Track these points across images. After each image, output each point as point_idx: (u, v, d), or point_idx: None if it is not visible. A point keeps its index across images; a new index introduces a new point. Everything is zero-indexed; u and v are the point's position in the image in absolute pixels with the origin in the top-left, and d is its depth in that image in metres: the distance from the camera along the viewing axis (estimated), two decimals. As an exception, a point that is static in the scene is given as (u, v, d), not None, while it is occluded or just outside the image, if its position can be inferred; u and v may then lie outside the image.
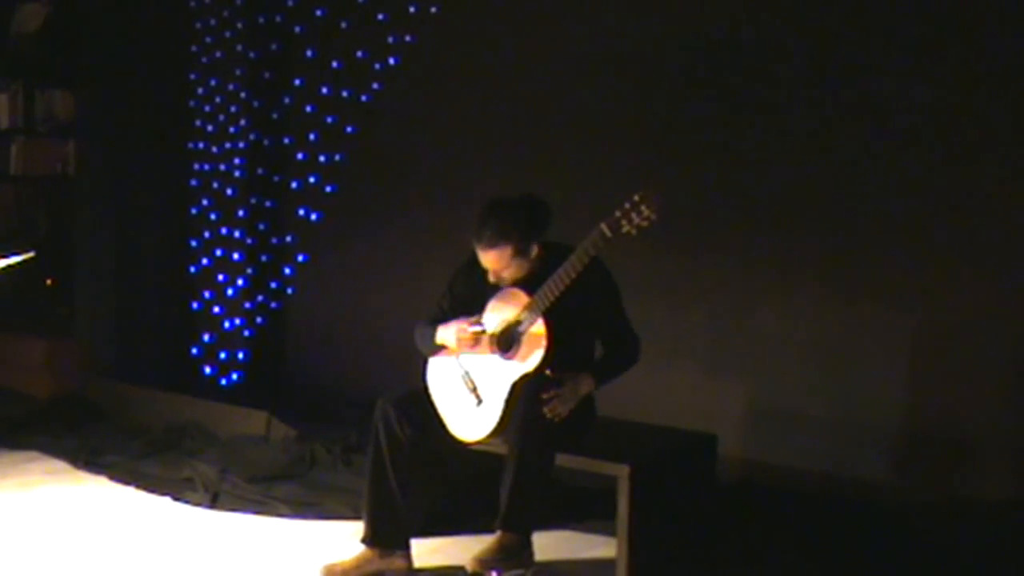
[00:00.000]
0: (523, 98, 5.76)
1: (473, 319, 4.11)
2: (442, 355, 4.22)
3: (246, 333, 6.68)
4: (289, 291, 6.72)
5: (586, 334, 4.18)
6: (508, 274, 4.07)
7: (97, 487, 5.20)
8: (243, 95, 6.57)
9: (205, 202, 6.72)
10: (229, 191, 6.64)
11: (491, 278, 4.10)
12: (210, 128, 6.67)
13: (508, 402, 3.99)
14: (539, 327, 3.98)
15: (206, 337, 6.70)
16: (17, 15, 7.14)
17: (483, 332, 4.07)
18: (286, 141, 6.63)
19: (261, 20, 6.58)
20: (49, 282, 7.24)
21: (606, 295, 4.11)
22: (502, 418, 4.00)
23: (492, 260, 4.05)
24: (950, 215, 4.78)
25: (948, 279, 4.81)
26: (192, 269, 6.76)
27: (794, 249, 5.12)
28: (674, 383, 5.31)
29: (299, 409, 6.01)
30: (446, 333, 4.16)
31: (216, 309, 6.68)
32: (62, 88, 7.17)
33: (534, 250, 4.05)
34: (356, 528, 4.29)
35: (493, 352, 4.07)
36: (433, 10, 6.02)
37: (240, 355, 6.67)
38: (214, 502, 4.95)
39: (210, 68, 6.65)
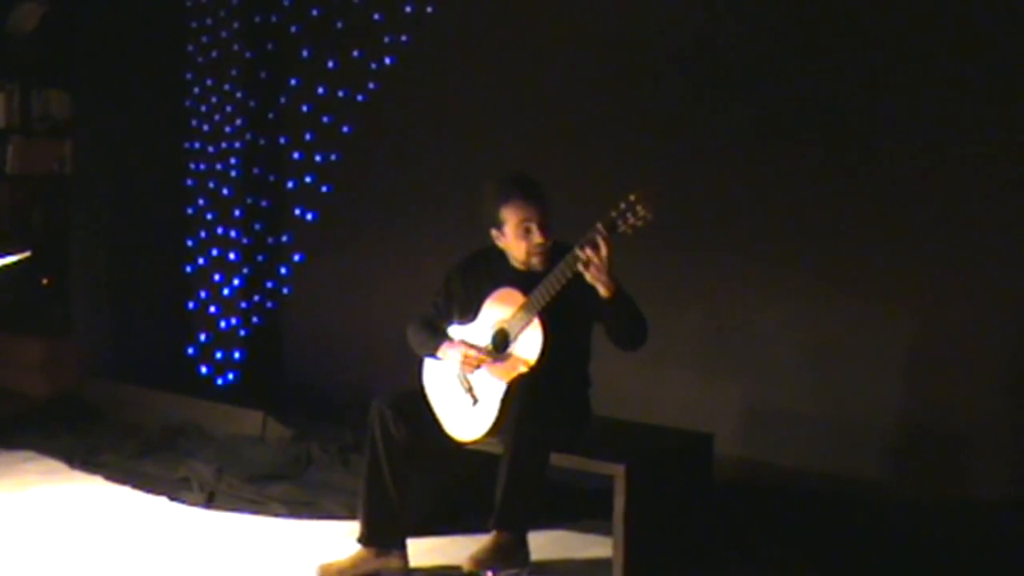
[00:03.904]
0: (519, 97, 5.76)
1: (479, 347, 4.08)
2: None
3: (242, 333, 6.68)
4: (285, 291, 6.72)
5: (583, 333, 4.17)
6: (541, 243, 4.04)
7: (93, 487, 5.20)
8: (239, 95, 6.58)
9: (201, 202, 6.72)
10: (225, 191, 6.64)
11: (534, 239, 4.03)
12: (206, 128, 6.67)
13: (504, 402, 3.98)
14: (535, 326, 3.97)
15: (202, 337, 6.70)
16: (13, 14, 7.13)
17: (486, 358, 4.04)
18: (282, 141, 6.63)
19: (257, 20, 6.59)
20: (45, 282, 7.24)
21: None
22: (498, 418, 3.99)
23: (538, 211, 4.03)
24: (948, 215, 4.78)
25: (945, 279, 4.81)
26: (188, 269, 6.76)
27: (791, 249, 5.12)
28: (670, 382, 5.31)
29: (295, 409, 6.01)
30: (450, 354, 4.12)
31: (212, 309, 6.68)
32: (58, 87, 7.17)
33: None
34: (352, 527, 4.29)
35: (490, 353, 4.06)
36: (429, 10, 6.02)
37: (236, 355, 6.67)
38: (210, 502, 4.95)
39: (206, 68, 6.65)
